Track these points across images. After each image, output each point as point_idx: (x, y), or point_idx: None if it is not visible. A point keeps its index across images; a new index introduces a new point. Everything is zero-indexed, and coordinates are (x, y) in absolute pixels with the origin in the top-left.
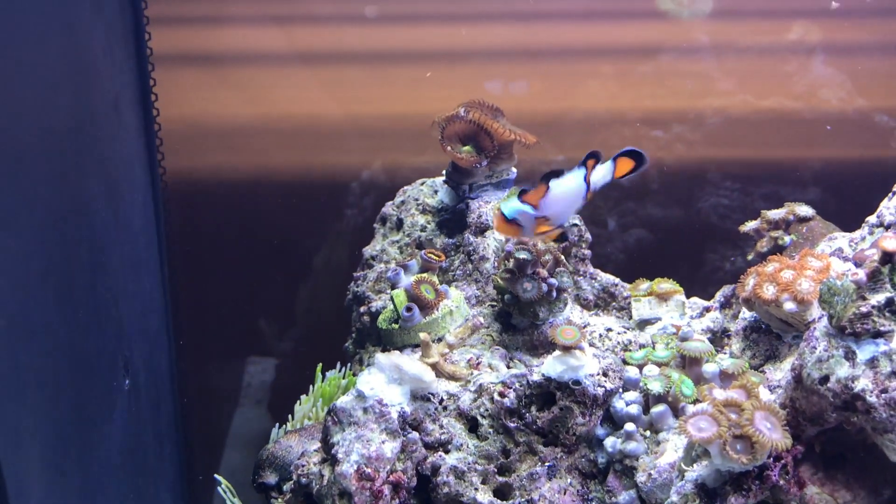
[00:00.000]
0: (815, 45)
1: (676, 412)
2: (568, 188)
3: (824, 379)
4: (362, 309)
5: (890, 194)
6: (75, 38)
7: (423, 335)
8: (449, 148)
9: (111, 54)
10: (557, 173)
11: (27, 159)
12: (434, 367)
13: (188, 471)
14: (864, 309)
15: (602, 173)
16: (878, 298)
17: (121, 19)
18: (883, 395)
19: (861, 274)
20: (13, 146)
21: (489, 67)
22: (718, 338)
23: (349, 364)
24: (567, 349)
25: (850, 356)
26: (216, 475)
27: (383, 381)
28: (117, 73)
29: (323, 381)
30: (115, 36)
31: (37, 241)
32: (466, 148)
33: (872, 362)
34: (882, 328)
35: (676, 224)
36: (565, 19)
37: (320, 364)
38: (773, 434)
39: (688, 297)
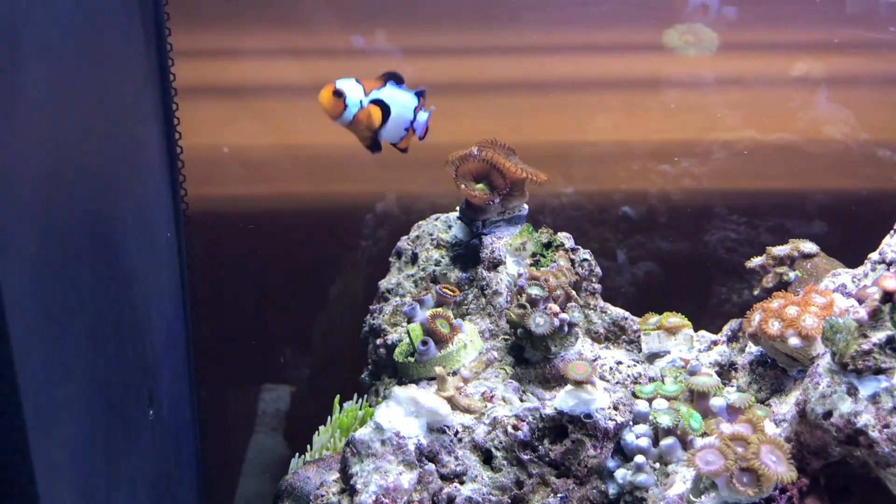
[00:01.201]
0: (819, 79)
1: (685, 445)
2: (402, 95)
3: (828, 414)
4: (378, 341)
5: (892, 231)
6: (108, 75)
7: (438, 369)
8: (463, 186)
9: (139, 87)
10: (398, 80)
11: (65, 197)
12: (449, 400)
13: (207, 498)
14: (865, 346)
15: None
16: (879, 336)
17: (146, 52)
18: (885, 430)
19: (862, 312)
20: (52, 185)
21: (497, 99)
22: (726, 371)
23: (365, 395)
24: (579, 384)
25: (852, 392)
26: None
27: (401, 413)
28: (143, 105)
29: (340, 412)
30: (142, 68)
31: (72, 277)
32: (479, 186)
33: (874, 398)
34: (883, 365)
35: (684, 257)
36: (573, 52)
37: (338, 395)
38: (778, 467)
39: (695, 329)
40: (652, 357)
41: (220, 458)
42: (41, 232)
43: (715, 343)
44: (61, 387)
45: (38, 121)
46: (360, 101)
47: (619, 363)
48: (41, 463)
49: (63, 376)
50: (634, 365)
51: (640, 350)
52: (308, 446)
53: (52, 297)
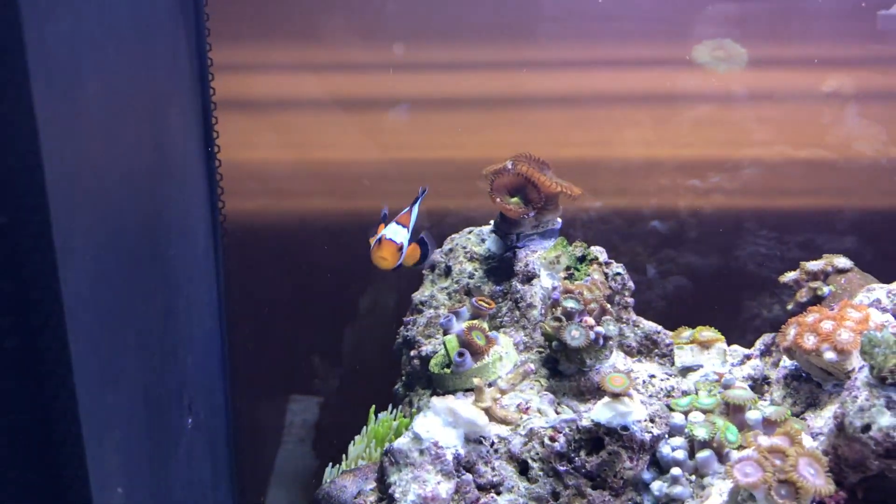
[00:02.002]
0: (850, 95)
1: (721, 458)
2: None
3: (866, 427)
4: (412, 353)
5: None
6: (157, 88)
7: (476, 380)
8: (498, 199)
9: (183, 101)
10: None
11: (118, 210)
12: (487, 411)
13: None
14: None
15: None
16: None
17: (189, 66)
18: None
19: None
20: (107, 199)
21: (527, 114)
22: (759, 385)
23: (399, 406)
24: (616, 396)
25: (891, 405)
26: None
27: (439, 424)
28: (187, 118)
29: (375, 422)
30: (186, 82)
31: (124, 288)
32: (514, 199)
33: None
34: None
35: (715, 271)
36: (602, 67)
37: (373, 406)
38: (816, 480)
39: (727, 342)
40: (685, 371)
41: (251, 466)
42: (98, 244)
43: (748, 357)
44: (112, 394)
45: (95, 137)
46: (405, 244)
47: (653, 377)
48: (94, 468)
49: (114, 384)
50: (667, 378)
51: (672, 364)
52: (343, 456)
53: (106, 307)
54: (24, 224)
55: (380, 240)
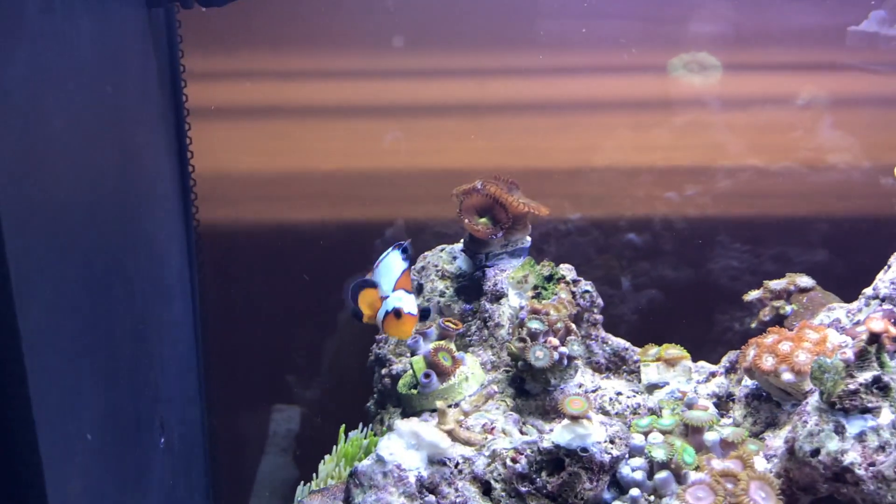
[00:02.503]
0: (824, 104)
1: (679, 478)
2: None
3: (815, 451)
4: (384, 371)
5: (886, 267)
6: (126, 104)
7: (439, 403)
8: (466, 220)
9: (155, 111)
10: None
11: (82, 237)
12: (450, 433)
13: None
14: (852, 386)
15: None
16: (865, 376)
17: (160, 75)
18: (871, 468)
19: (849, 353)
20: (70, 227)
21: (510, 121)
22: (724, 402)
23: (371, 424)
24: (574, 419)
25: (839, 430)
26: None
27: (402, 446)
28: (159, 128)
29: (345, 441)
30: (158, 91)
31: (88, 316)
32: (483, 220)
33: (861, 437)
34: (869, 404)
35: (687, 285)
36: (580, 74)
37: (343, 425)
38: (767, 503)
39: (698, 356)
40: (651, 388)
41: (229, 480)
42: (58, 275)
43: (713, 374)
44: (75, 422)
45: (56, 168)
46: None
47: (619, 394)
48: (55, 498)
49: (77, 411)
50: (634, 395)
51: (639, 380)
52: (314, 474)
53: (67, 336)
54: None
55: (396, 312)
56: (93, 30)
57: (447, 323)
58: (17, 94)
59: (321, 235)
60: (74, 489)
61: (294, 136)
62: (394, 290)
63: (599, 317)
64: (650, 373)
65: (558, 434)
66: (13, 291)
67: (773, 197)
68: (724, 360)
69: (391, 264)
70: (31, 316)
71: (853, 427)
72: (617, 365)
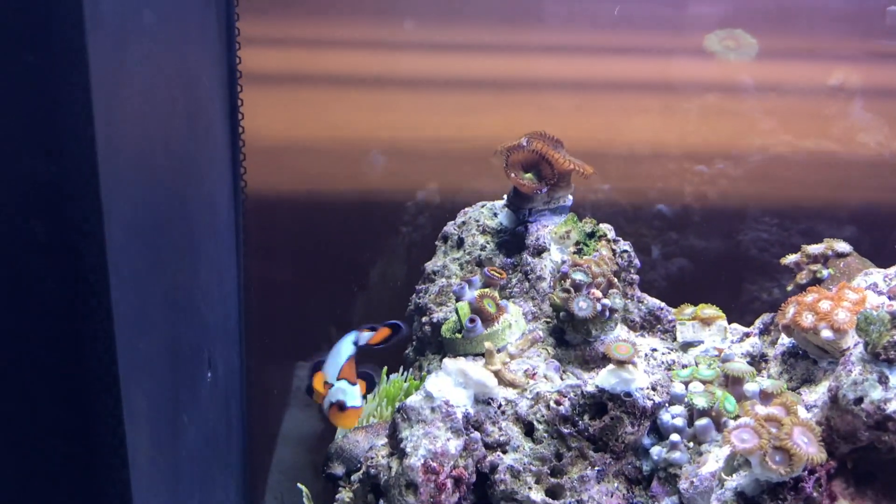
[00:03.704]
0: (855, 89)
1: (718, 426)
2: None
3: (859, 400)
4: (424, 319)
5: None
6: (188, 56)
7: (487, 344)
8: (512, 175)
9: (211, 72)
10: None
11: (153, 168)
12: (496, 374)
13: (250, 463)
14: None
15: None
16: None
17: (217, 37)
18: None
19: None
20: (144, 158)
21: (536, 97)
22: (756, 362)
23: (409, 370)
24: (621, 363)
25: (883, 380)
26: (298, 484)
27: (450, 384)
28: (214, 90)
29: (387, 382)
30: (213, 53)
31: (157, 243)
32: (528, 175)
33: None
34: None
35: (717, 255)
36: (611, 54)
37: (385, 367)
38: (809, 448)
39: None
40: (686, 346)
41: (260, 426)
42: (135, 198)
43: (747, 335)
44: (143, 341)
45: (137, 95)
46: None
47: (654, 350)
48: (129, 410)
49: (145, 331)
50: (669, 353)
51: (674, 339)
52: None
53: (140, 258)
54: (72, 172)
55: (340, 406)
56: None
57: (492, 272)
58: (106, 9)
59: (356, 199)
60: (142, 406)
61: (329, 105)
62: (338, 378)
63: (636, 276)
64: (686, 331)
65: (603, 378)
66: (102, 204)
67: (803, 177)
68: (758, 322)
69: (340, 349)
70: (115, 231)
71: None
72: (652, 324)
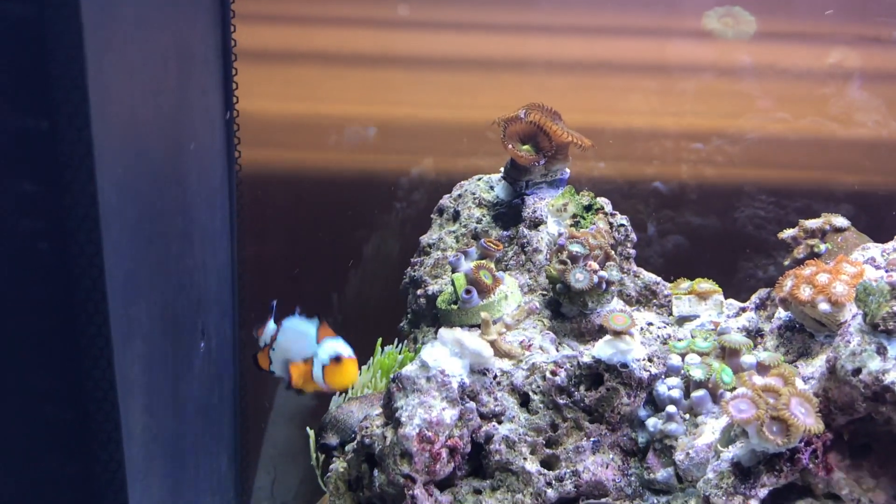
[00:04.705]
0: (852, 71)
1: (715, 398)
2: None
3: (857, 371)
4: (419, 292)
5: None
6: (180, 33)
7: (484, 314)
8: (510, 146)
9: (204, 48)
10: None
11: (144, 131)
12: (492, 344)
13: (242, 435)
14: (895, 309)
15: None
16: None
17: (212, 13)
18: None
19: (895, 276)
20: (135, 118)
21: (533, 77)
22: (753, 336)
23: (404, 342)
24: (618, 334)
25: (881, 351)
26: (308, 428)
27: (446, 353)
28: (206, 64)
29: (382, 354)
30: (207, 29)
31: (148, 206)
32: (526, 147)
33: None
34: None
35: (713, 232)
36: (607, 33)
37: (380, 339)
38: (806, 419)
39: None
40: (682, 320)
41: (253, 398)
42: (126, 159)
43: (743, 310)
44: (135, 306)
45: (129, 56)
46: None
47: (650, 324)
48: (121, 375)
49: (137, 297)
50: (665, 326)
51: (669, 314)
52: (349, 390)
53: (132, 221)
54: (64, 128)
55: (338, 358)
56: None
57: (488, 243)
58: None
59: (350, 174)
60: (134, 370)
61: (321, 82)
62: (318, 342)
63: (633, 251)
64: (682, 305)
65: (599, 349)
66: (94, 162)
67: (799, 156)
68: (755, 297)
69: (297, 327)
70: (106, 192)
71: (895, 348)
72: (647, 298)
